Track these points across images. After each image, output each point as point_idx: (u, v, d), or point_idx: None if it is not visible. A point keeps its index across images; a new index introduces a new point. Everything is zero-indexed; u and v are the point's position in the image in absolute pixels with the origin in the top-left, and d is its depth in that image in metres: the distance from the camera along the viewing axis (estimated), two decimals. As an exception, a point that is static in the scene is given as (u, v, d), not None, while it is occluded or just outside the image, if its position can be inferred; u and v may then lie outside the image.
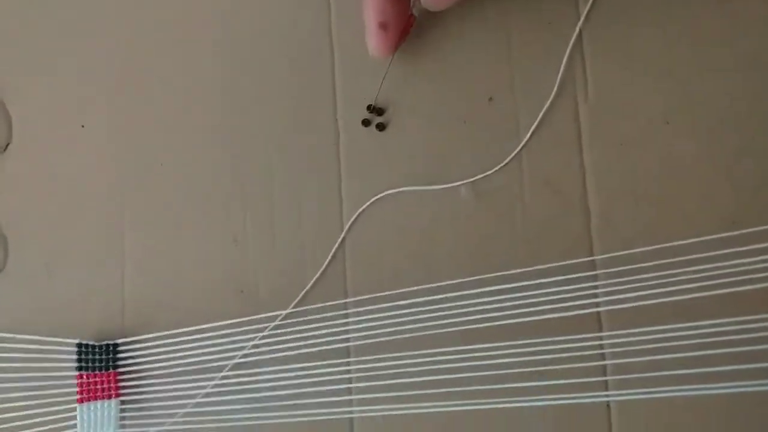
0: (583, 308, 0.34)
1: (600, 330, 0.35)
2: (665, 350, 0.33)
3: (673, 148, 0.35)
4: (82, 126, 0.47)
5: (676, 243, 0.33)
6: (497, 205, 0.38)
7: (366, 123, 0.40)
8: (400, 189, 0.39)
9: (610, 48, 0.36)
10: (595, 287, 0.35)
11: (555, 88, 0.37)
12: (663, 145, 0.35)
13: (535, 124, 0.37)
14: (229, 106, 0.44)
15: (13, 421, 0.46)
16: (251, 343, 0.41)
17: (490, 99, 0.38)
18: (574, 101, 0.37)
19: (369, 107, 0.40)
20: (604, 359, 0.35)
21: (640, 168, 0.35)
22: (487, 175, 0.38)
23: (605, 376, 0.35)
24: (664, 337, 0.33)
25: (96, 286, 0.46)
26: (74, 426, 0.44)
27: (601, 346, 0.35)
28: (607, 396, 0.35)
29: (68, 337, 0.45)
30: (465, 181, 0.38)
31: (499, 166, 0.38)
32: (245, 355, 0.41)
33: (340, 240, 0.41)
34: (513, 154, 0.37)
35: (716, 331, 0.32)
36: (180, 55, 0.45)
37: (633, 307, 0.34)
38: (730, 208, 0.34)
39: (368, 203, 0.40)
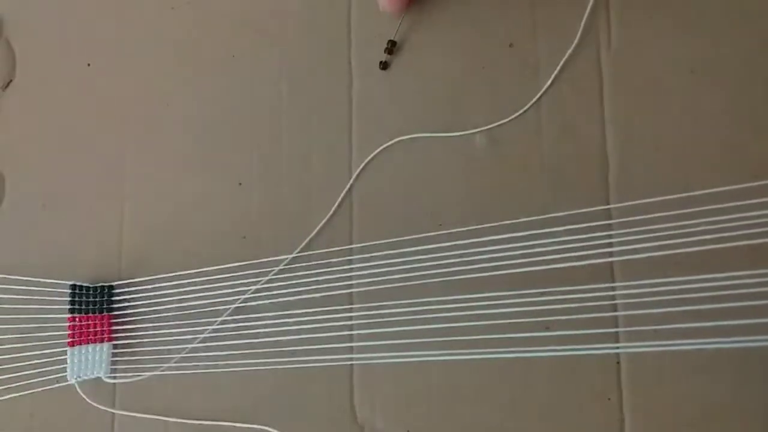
0: (597, 258, 0.34)
1: (613, 281, 0.34)
2: (679, 302, 0.32)
3: (697, 99, 0.34)
4: (88, 64, 0.46)
5: (693, 193, 0.33)
6: (513, 154, 0.37)
7: (384, 65, 0.39)
8: (413, 135, 0.39)
9: (636, -5, 0.36)
10: (610, 236, 0.34)
11: (578, 35, 0.36)
12: (687, 95, 0.34)
13: (556, 71, 0.36)
14: (240, 45, 0.43)
15: (2, 364, 0.45)
16: (253, 287, 0.39)
17: (511, 45, 0.37)
18: (597, 49, 0.36)
19: (389, 43, 0.39)
20: (615, 310, 0.34)
21: (662, 118, 0.35)
22: (504, 123, 0.37)
23: (616, 327, 0.34)
24: (678, 289, 0.32)
25: (93, 227, 0.45)
26: (64, 370, 0.43)
27: (613, 297, 0.34)
28: (617, 348, 0.34)
29: (63, 279, 0.44)
30: (481, 129, 0.37)
31: (516, 114, 0.37)
32: (246, 300, 0.40)
33: (348, 187, 0.40)
34: (532, 102, 0.36)
35: (733, 284, 0.32)
36: (192, -6, 0.44)
37: (648, 258, 0.33)
38: (752, 161, 0.33)
39: (379, 149, 0.39)
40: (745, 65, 0.34)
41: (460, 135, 0.38)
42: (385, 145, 0.39)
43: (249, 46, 0.43)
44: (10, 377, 0.44)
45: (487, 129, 0.37)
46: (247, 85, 0.43)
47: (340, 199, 0.40)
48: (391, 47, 0.39)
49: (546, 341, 0.34)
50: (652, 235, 0.33)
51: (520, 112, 0.37)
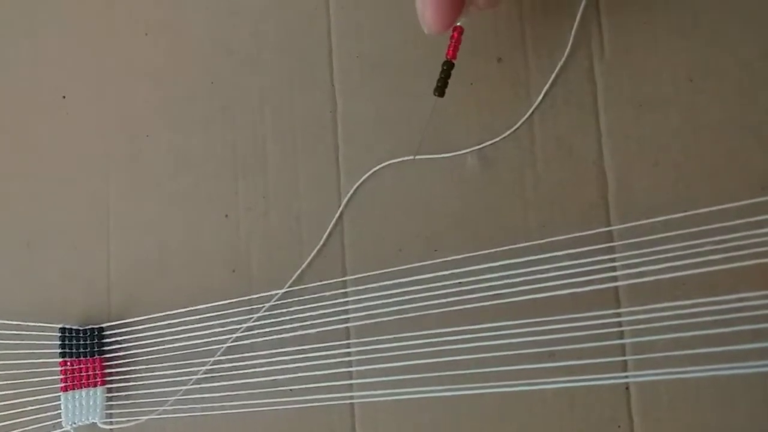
0: (600, 283, 0.32)
1: (618, 306, 0.32)
2: (689, 327, 0.31)
3: (697, 108, 0.32)
4: (63, 96, 0.44)
5: (699, 211, 0.31)
6: (507, 174, 0.35)
7: (441, 92, 0.33)
8: (402, 159, 0.37)
9: (628, 0, 0.34)
10: (613, 260, 0.32)
11: (569, 46, 0.34)
12: (686, 105, 0.33)
13: (548, 85, 0.34)
14: (220, 72, 0.41)
15: (-4, 411, 0.44)
16: (245, 325, 0.38)
17: (499, 60, 0.35)
18: (590, 60, 0.34)
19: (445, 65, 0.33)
20: (622, 337, 0.32)
21: (661, 130, 0.33)
22: (496, 142, 0.35)
23: (624, 355, 0.32)
24: (687, 313, 0.31)
25: (80, 266, 0.44)
26: (58, 416, 0.42)
27: (619, 324, 0.32)
28: (626, 377, 0.32)
29: (51, 322, 0.43)
30: (472, 149, 0.36)
31: (508, 132, 0.35)
32: (238, 338, 0.38)
33: (338, 214, 0.38)
34: (524, 119, 0.35)
35: (743, 305, 0.30)
36: (169, 17, 0.43)
37: (653, 281, 0.31)
38: (759, 173, 0.31)
39: (367, 174, 0.38)
40: (746, 71, 0.32)
41: (451, 156, 0.36)
42: (374, 170, 0.37)
43: (228, 72, 0.41)
44: (4, 425, 0.43)
45: (479, 148, 0.35)
46: (228, 112, 0.41)
47: (330, 227, 0.38)
48: (449, 69, 0.32)
49: (551, 371, 0.33)
50: (657, 257, 0.31)
51: (512, 129, 0.35)
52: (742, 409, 0.31)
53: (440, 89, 0.32)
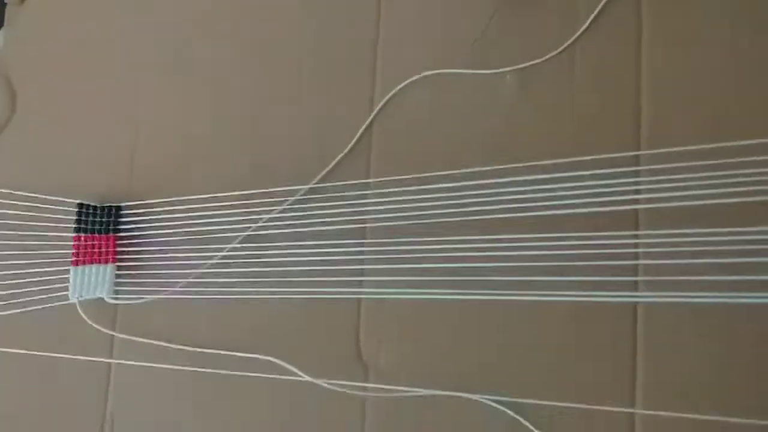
0: (622, 204, 0.33)
1: (637, 229, 0.33)
2: (703, 254, 0.31)
3: (740, 51, 0.33)
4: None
5: (726, 144, 0.31)
6: (543, 96, 0.36)
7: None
8: (440, 71, 0.37)
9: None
10: (637, 183, 0.33)
11: (620, -24, 0.35)
12: (729, 46, 0.33)
13: (595, 12, 0.35)
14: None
15: (4, 280, 0.44)
16: (267, 216, 0.39)
17: (550, -17, 0.36)
18: (639, -6, 0.35)
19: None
20: (637, 259, 0.33)
21: (702, 70, 0.34)
22: (537, 64, 0.36)
23: (636, 275, 0.33)
24: (704, 240, 0.31)
25: (105, 148, 0.44)
26: (66, 288, 0.42)
27: (636, 245, 0.33)
28: (635, 296, 0.33)
29: (70, 198, 0.43)
30: (512, 68, 0.36)
31: (550, 55, 0.35)
32: (258, 228, 0.39)
33: (369, 120, 0.38)
34: (567, 43, 0.35)
35: (761, 238, 0.31)
36: None
37: (674, 209, 0.32)
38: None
39: (403, 83, 0.38)
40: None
41: (491, 73, 0.36)
42: (409, 80, 0.38)
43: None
44: (11, 293, 0.43)
45: (519, 68, 0.36)
46: (267, 7, 0.41)
47: (360, 132, 0.39)
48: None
49: (563, 286, 0.33)
50: (681, 184, 0.32)
51: (554, 53, 0.35)
52: (745, 341, 0.32)
53: None
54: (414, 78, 0.38)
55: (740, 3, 0.34)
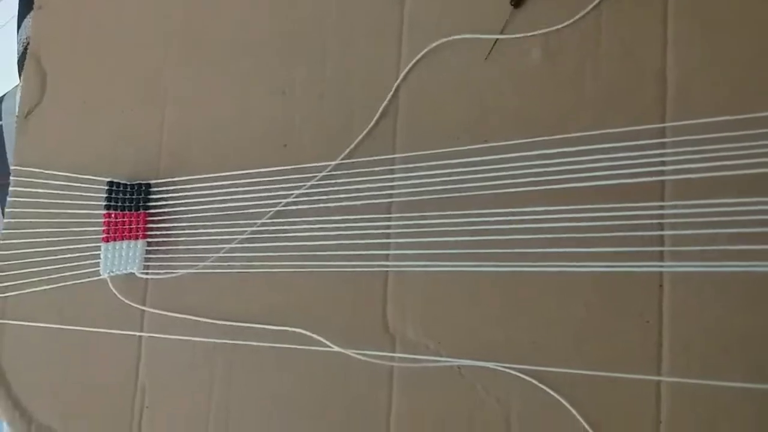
0: (648, 176, 0.33)
1: (662, 200, 0.34)
2: (729, 224, 0.31)
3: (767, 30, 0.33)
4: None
5: (750, 115, 0.32)
6: (567, 64, 0.36)
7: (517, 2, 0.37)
8: (463, 36, 0.38)
9: None
10: (663, 155, 0.33)
11: (647, -52, 0.35)
12: (757, 25, 0.33)
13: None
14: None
15: (36, 257, 0.45)
16: (296, 192, 0.39)
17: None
18: (665, -34, 0.35)
19: None
20: (662, 229, 0.33)
21: (728, 46, 0.33)
22: (561, 29, 0.36)
23: (662, 246, 0.33)
24: (730, 210, 0.32)
25: (134, 127, 0.45)
26: (97, 265, 0.43)
27: (661, 216, 0.33)
28: (661, 266, 0.33)
29: (100, 176, 0.44)
30: (536, 33, 0.36)
31: (574, 19, 0.36)
32: (288, 204, 0.39)
33: (393, 89, 0.39)
34: (591, 6, 0.35)
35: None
36: None
37: (700, 180, 0.32)
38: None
39: (426, 50, 0.38)
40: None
41: (515, 38, 0.37)
42: (432, 45, 0.38)
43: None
44: (44, 269, 0.45)
45: (543, 33, 0.36)
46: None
47: (385, 103, 0.39)
48: None
49: (588, 257, 0.34)
50: (706, 155, 0.32)
51: (577, 17, 0.36)
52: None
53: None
54: (437, 42, 0.38)
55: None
